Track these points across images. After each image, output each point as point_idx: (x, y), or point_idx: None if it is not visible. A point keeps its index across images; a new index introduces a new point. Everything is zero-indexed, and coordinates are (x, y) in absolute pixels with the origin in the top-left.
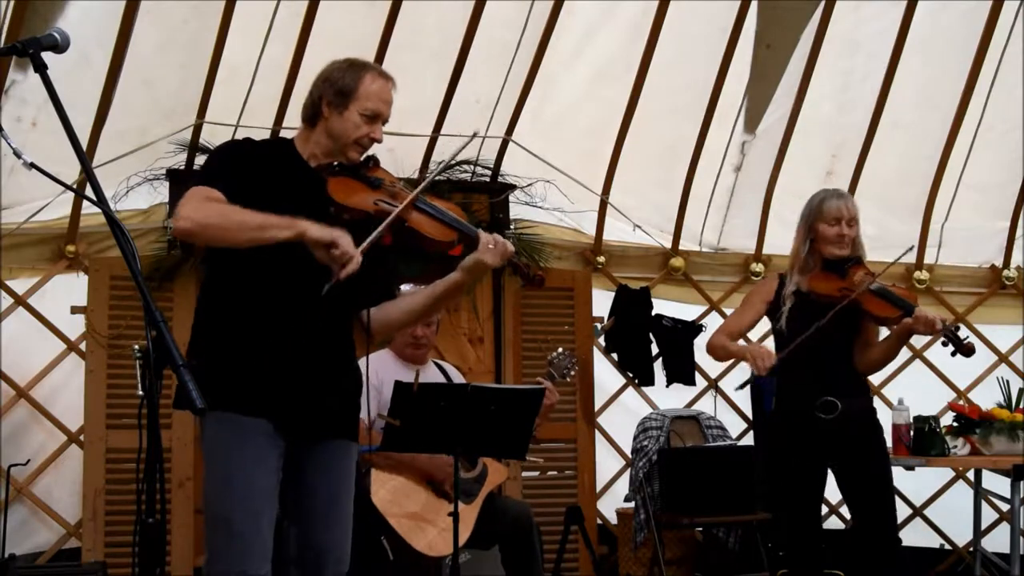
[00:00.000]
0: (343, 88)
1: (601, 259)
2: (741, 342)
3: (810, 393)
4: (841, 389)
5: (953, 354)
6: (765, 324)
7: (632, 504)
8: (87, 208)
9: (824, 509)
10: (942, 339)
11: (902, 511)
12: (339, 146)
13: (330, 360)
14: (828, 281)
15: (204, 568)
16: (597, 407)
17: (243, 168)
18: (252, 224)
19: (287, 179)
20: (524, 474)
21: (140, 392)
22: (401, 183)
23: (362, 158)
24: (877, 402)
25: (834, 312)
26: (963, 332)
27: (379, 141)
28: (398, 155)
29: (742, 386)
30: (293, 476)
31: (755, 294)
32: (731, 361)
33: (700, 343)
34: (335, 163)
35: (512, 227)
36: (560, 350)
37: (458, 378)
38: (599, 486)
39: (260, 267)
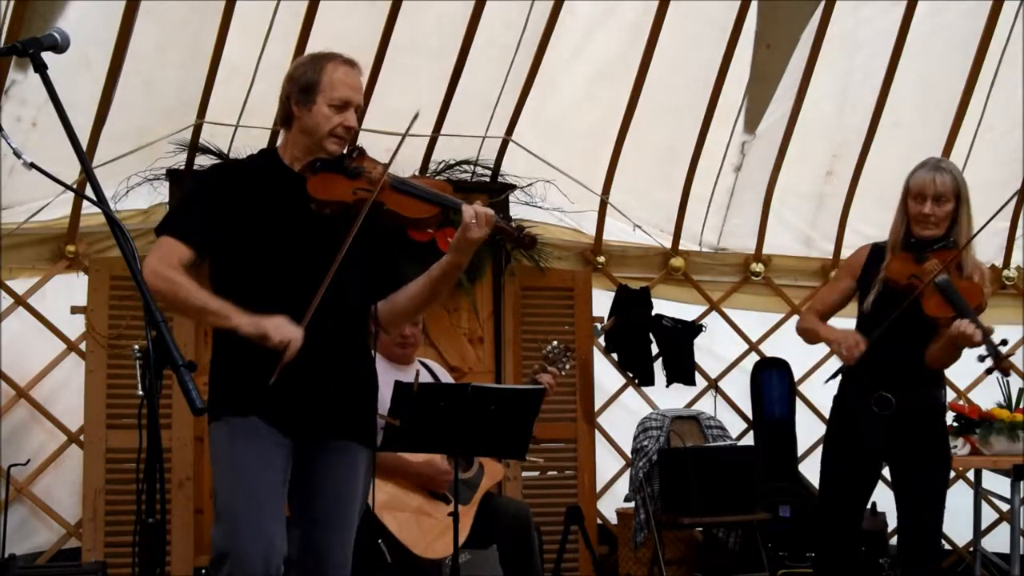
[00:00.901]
0: (307, 83)
1: (601, 259)
2: (831, 321)
3: (869, 386)
4: (902, 383)
5: (989, 371)
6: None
7: (632, 504)
8: (87, 208)
9: None
10: (980, 353)
11: None
12: (315, 141)
13: (337, 360)
14: (903, 264)
15: (213, 559)
16: (597, 407)
17: (217, 200)
18: (192, 306)
19: (267, 193)
20: (524, 474)
21: (140, 392)
22: (381, 167)
23: (344, 150)
24: None
25: (900, 309)
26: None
27: (354, 128)
28: (397, 155)
29: (832, 377)
30: (300, 477)
31: (843, 268)
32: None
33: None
34: (316, 161)
35: None
36: (555, 343)
37: (444, 375)
38: (599, 486)
39: (262, 272)
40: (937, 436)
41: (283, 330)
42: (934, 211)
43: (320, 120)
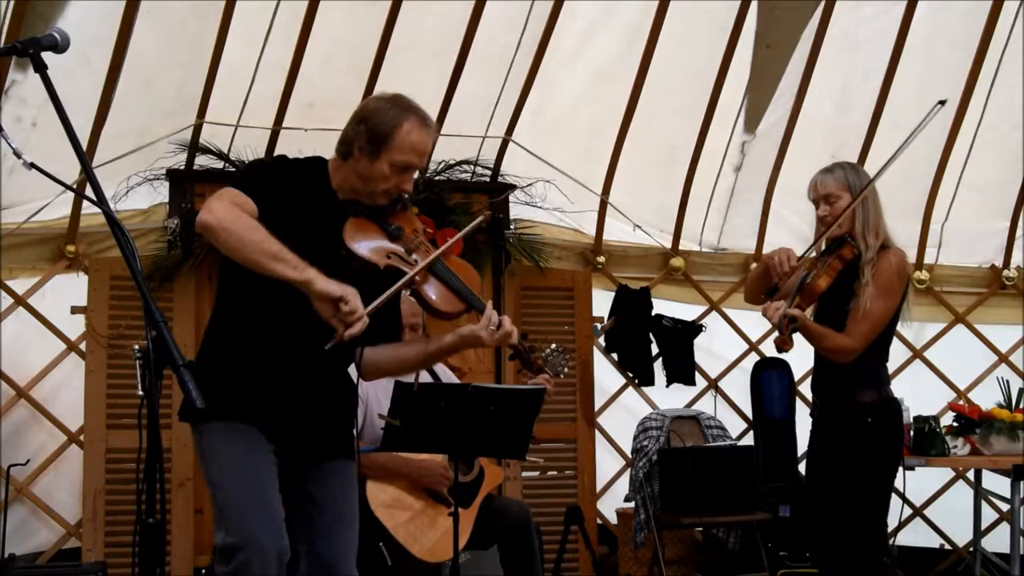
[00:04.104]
0: (378, 135)
1: (601, 259)
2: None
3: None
4: (829, 386)
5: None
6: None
7: (632, 504)
8: (87, 208)
9: None
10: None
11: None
12: (366, 191)
13: (328, 384)
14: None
15: (217, 545)
16: (597, 407)
17: (276, 190)
18: (267, 250)
19: (313, 208)
20: (524, 474)
21: (140, 392)
22: (421, 237)
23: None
24: None
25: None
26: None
27: (407, 192)
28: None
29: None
30: (297, 496)
31: None
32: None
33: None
34: (359, 204)
35: (512, 227)
36: (553, 346)
37: (442, 371)
38: (599, 486)
39: (267, 289)
40: (854, 437)
41: (357, 301)
42: (828, 211)
43: (378, 177)
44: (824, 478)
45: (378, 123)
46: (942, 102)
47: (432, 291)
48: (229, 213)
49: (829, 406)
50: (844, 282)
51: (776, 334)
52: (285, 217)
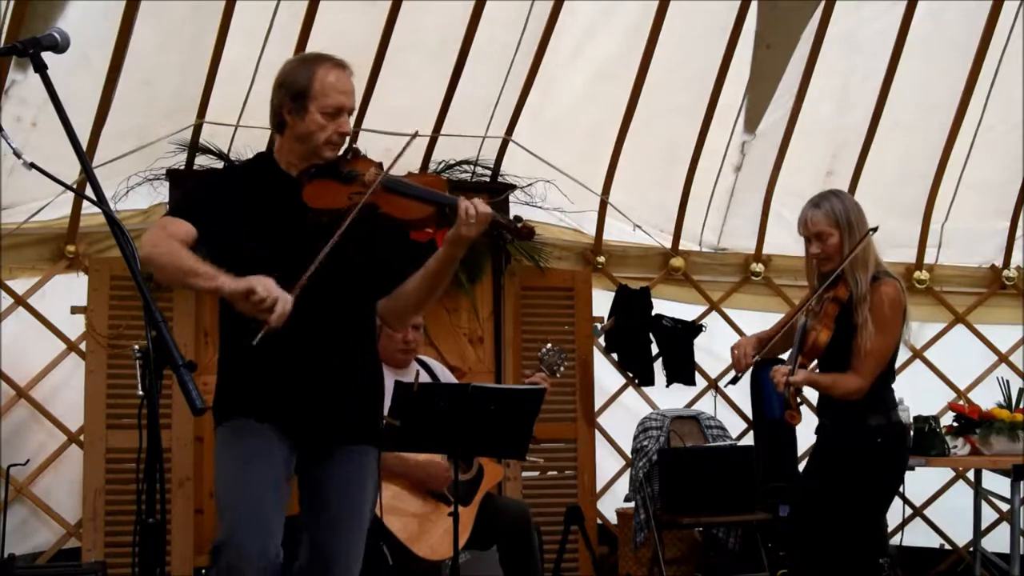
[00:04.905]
0: (298, 91)
1: (601, 259)
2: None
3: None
4: (833, 410)
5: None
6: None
7: (632, 504)
8: (87, 208)
9: None
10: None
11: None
12: (311, 148)
13: (343, 366)
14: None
15: (212, 550)
16: (597, 407)
17: (217, 200)
18: (182, 268)
19: (263, 198)
20: (524, 474)
21: (140, 392)
22: (375, 168)
23: (340, 152)
24: None
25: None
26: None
27: (348, 134)
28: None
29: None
30: (308, 485)
31: None
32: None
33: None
34: (311, 167)
35: None
36: (549, 345)
37: (442, 372)
38: (599, 486)
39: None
40: (861, 459)
41: (268, 285)
42: (821, 249)
43: (314, 128)
44: (824, 496)
45: (294, 80)
46: (875, 229)
47: (395, 205)
48: (152, 242)
49: (836, 428)
50: (843, 320)
51: (785, 408)
52: (240, 218)
